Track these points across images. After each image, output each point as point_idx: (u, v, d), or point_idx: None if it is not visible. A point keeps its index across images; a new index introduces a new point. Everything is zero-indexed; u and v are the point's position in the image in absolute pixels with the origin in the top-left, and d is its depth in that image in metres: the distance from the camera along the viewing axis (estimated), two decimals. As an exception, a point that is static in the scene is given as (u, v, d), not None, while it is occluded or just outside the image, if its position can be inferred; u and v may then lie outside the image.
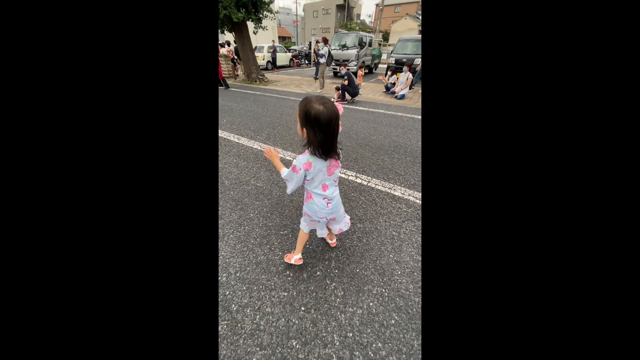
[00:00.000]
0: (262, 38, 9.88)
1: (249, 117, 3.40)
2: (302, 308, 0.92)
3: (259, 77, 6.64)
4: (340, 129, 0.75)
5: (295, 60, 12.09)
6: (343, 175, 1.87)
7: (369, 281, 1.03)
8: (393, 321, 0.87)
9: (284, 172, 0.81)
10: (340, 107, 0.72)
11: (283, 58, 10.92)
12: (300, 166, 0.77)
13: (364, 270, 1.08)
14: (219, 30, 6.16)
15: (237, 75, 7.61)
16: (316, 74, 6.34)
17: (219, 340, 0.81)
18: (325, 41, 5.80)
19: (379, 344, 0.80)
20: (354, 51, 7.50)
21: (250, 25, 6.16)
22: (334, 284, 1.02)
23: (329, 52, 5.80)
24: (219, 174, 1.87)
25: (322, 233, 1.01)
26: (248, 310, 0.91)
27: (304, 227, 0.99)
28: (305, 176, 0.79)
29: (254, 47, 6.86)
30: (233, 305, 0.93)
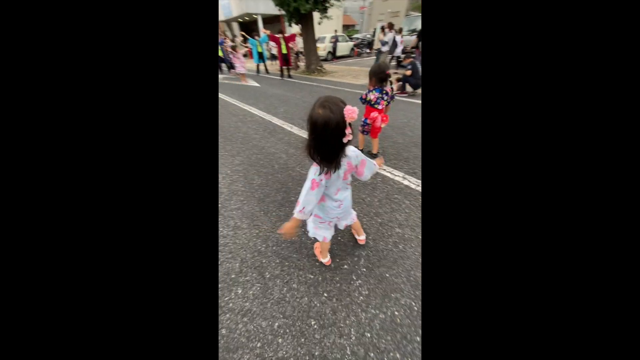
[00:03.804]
0: (326, 28, 9.93)
1: (304, 108, 3.58)
2: (325, 294, 0.96)
3: (317, 67, 6.79)
4: (350, 137, 0.62)
5: (356, 50, 11.64)
6: (388, 174, 1.75)
7: (398, 290, 0.96)
8: (419, 338, 0.80)
9: (299, 206, 0.71)
10: (353, 112, 0.58)
11: (344, 48, 10.70)
12: (322, 177, 0.70)
13: (394, 277, 1.01)
14: (287, 24, 6.56)
15: (298, 66, 8.02)
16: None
17: (251, 301, 0.95)
18: (391, 27, 5.30)
19: (397, 355, 0.76)
20: (425, 36, 6.56)
21: (316, 15, 6.27)
22: (359, 281, 1.00)
23: (394, 39, 5.29)
24: (270, 158, 2.09)
25: (330, 235, 0.96)
26: (278, 281, 1.02)
27: (312, 231, 0.96)
28: (325, 185, 0.74)
29: (316, 38, 7.00)
30: (267, 273, 1.06)
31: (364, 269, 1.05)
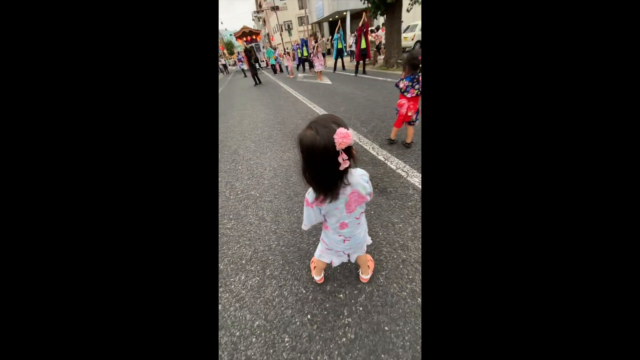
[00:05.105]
0: (419, 14, 8.60)
1: (365, 107, 3.37)
2: (309, 315, 0.90)
3: (398, 61, 6.11)
4: (346, 163, 0.51)
5: (457, 35, 9.45)
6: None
7: (393, 353, 0.76)
8: None
9: (304, 221, 0.72)
10: (345, 137, 0.47)
11: (439, 34, 8.97)
12: (312, 200, 0.64)
13: (394, 334, 0.81)
14: (373, 17, 6.22)
15: (377, 61, 7.54)
16: None
17: (247, 290, 1.04)
18: None
19: None
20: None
21: (405, 2, 5.56)
22: (349, 319, 0.87)
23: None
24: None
25: (339, 261, 0.86)
26: (274, 282, 1.06)
27: (319, 255, 0.87)
28: (320, 211, 0.67)
29: (406, 26, 6.26)
30: (268, 270, 1.12)
31: (361, 308, 0.90)
